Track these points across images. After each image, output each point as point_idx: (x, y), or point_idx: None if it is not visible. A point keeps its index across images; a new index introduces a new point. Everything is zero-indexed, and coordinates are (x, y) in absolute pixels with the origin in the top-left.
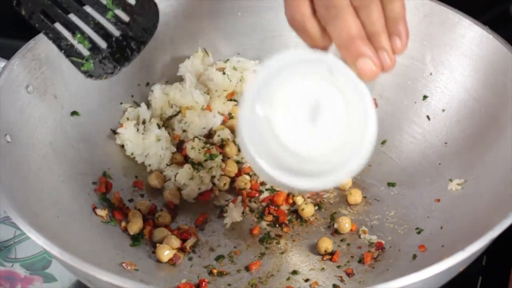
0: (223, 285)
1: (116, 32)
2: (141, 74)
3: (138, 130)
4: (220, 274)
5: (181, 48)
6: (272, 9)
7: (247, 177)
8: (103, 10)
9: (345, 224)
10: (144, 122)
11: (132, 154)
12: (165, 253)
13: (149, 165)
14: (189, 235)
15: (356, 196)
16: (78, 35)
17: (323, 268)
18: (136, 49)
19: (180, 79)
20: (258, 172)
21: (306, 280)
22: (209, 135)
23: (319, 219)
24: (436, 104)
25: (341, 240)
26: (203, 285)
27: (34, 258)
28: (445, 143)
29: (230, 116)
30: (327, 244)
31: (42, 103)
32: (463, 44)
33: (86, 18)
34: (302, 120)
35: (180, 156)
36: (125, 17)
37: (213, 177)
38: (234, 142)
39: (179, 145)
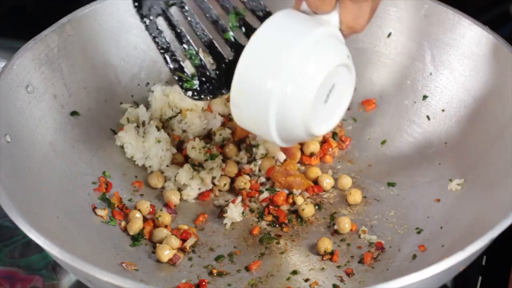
0: (223, 285)
1: (229, 55)
2: (141, 74)
3: (138, 133)
4: (220, 274)
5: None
6: (271, 9)
7: (247, 177)
8: (222, 28)
9: (345, 224)
10: (144, 124)
11: (132, 157)
12: (165, 253)
13: (150, 167)
14: (189, 235)
15: (356, 196)
16: (190, 50)
17: (323, 268)
18: None
19: None
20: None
21: (306, 280)
22: (209, 135)
23: (319, 219)
24: (436, 104)
25: (341, 240)
26: (203, 285)
27: (34, 258)
28: (445, 143)
29: (230, 118)
30: (327, 244)
31: (42, 103)
32: (463, 44)
33: (202, 33)
34: (320, 100)
35: (180, 156)
36: (243, 40)
37: (213, 177)
38: (234, 142)
39: (179, 145)
